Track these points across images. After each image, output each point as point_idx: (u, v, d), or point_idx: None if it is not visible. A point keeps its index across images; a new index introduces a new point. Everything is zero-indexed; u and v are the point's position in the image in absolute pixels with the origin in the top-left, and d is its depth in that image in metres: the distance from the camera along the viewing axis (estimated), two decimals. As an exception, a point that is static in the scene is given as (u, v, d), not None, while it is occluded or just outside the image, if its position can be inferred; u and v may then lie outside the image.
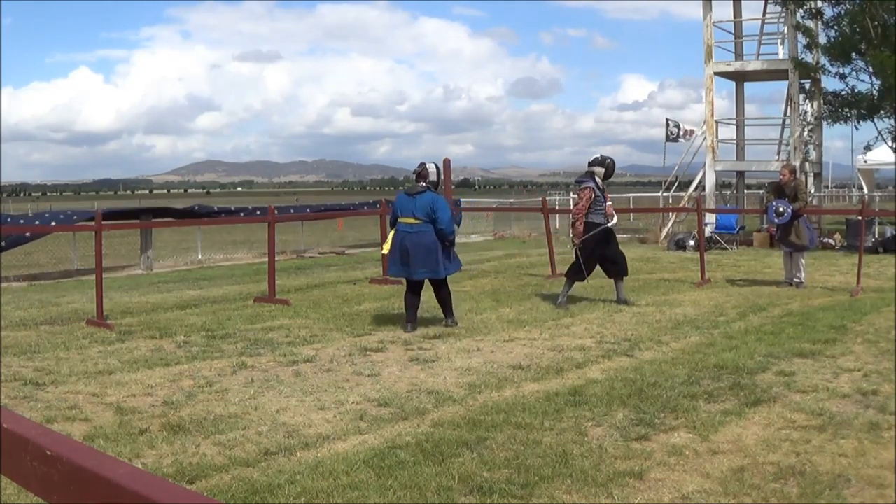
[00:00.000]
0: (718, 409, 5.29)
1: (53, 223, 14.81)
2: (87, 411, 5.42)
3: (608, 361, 6.82)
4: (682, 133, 21.15)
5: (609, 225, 9.96)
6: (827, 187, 35.22)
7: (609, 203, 10.08)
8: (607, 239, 9.97)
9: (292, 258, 17.95)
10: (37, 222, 14.90)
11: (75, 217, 15.65)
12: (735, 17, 21.60)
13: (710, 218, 18.04)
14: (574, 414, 5.21)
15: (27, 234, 14.42)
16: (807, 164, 20.51)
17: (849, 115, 19.50)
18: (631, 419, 5.08)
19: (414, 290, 8.59)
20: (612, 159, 10.22)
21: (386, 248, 8.96)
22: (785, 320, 8.69)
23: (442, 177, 8.67)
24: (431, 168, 8.68)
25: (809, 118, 20.90)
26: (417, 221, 8.38)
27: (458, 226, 20.47)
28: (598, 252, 9.93)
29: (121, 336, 8.12)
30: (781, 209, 11.40)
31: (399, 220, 8.57)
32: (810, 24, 19.45)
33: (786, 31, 20.23)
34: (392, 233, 8.73)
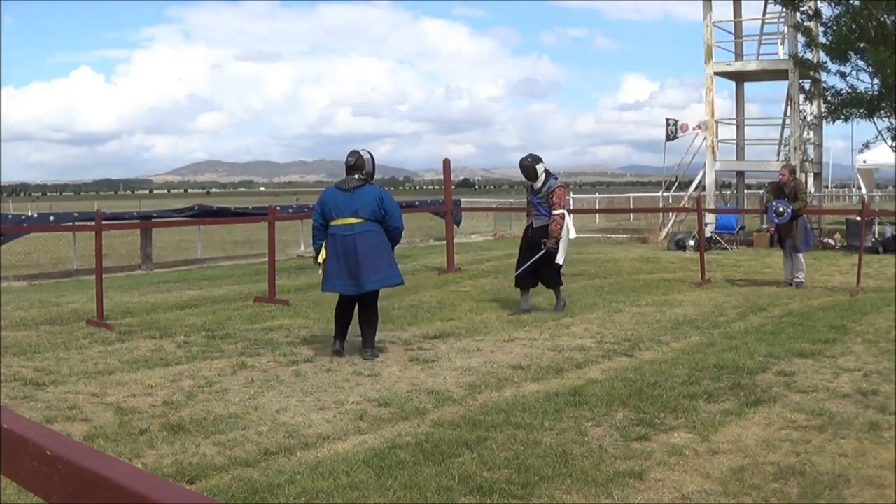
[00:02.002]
0: (718, 409, 5.29)
1: (51, 218, 14.82)
2: (87, 411, 5.42)
3: (608, 361, 6.82)
4: (680, 128, 21.13)
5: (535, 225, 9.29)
6: (827, 187, 35.24)
7: (555, 213, 9.05)
8: (531, 241, 9.40)
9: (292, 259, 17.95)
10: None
11: (75, 215, 15.66)
12: (735, 17, 21.60)
13: (710, 218, 18.05)
14: (574, 414, 5.21)
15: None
16: (807, 164, 20.52)
17: (849, 113, 19.51)
18: (631, 419, 5.08)
19: (347, 304, 7.25)
20: (520, 160, 9.37)
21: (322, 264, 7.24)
22: (785, 320, 8.69)
23: (375, 165, 7.32)
24: (366, 157, 7.23)
25: (809, 118, 20.90)
26: (360, 220, 6.96)
27: (458, 226, 20.51)
28: (526, 253, 9.40)
29: (121, 336, 8.12)
30: (781, 209, 11.40)
31: (333, 222, 7.05)
32: (810, 24, 19.46)
33: (786, 31, 20.24)
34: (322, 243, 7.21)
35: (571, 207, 10.04)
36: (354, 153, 7.24)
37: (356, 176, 7.14)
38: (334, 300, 7.48)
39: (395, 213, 7.12)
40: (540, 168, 9.27)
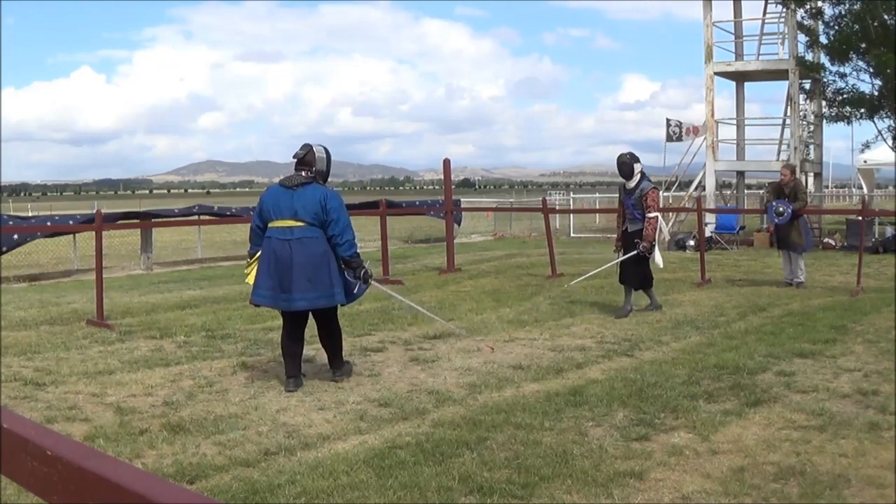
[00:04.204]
0: (718, 409, 5.29)
1: (56, 218, 14.83)
2: (87, 411, 5.42)
3: (608, 361, 6.82)
4: (685, 131, 21.13)
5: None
6: (827, 187, 35.26)
7: (650, 216, 8.97)
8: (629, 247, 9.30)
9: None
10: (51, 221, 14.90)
11: (78, 216, 15.69)
12: (735, 17, 21.60)
13: (710, 218, 18.05)
14: (574, 414, 5.21)
15: (14, 236, 14.26)
16: (807, 164, 20.52)
17: (849, 114, 19.51)
18: (631, 419, 5.08)
19: (295, 328, 6.16)
20: (619, 157, 9.33)
21: (251, 274, 6.28)
22: (785, 320, 8.68)
23: (331, 165, 6.32)
24: (320, 153, 6.18)
25: (810, 118, 20.89)
26: (300, 224, 5.95)
27: (459, 225, 20.45)
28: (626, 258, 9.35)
29: (121, 336, 8.12)
30: (781, 209, 11.41)
31: (271, 224, 6.05)
32: (810, 23, 19.46)
33: (786, 31, 20.24)
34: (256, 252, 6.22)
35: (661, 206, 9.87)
36: (306, 146, 6.22)
37: (303, 173, 6.10)
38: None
39: (340, 220, 5.97)
40: (637, 168, 9.18)
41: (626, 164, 9.18)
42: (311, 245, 5.94)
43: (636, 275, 9.21)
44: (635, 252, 9.07)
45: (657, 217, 9.09)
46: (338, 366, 6.29)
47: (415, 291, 11.24)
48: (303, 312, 6.13)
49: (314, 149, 6.20)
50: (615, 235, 9.85)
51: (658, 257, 9.22)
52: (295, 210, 5.97)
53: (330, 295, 6.00)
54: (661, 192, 9.61)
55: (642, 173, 9.24)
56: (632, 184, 9.14)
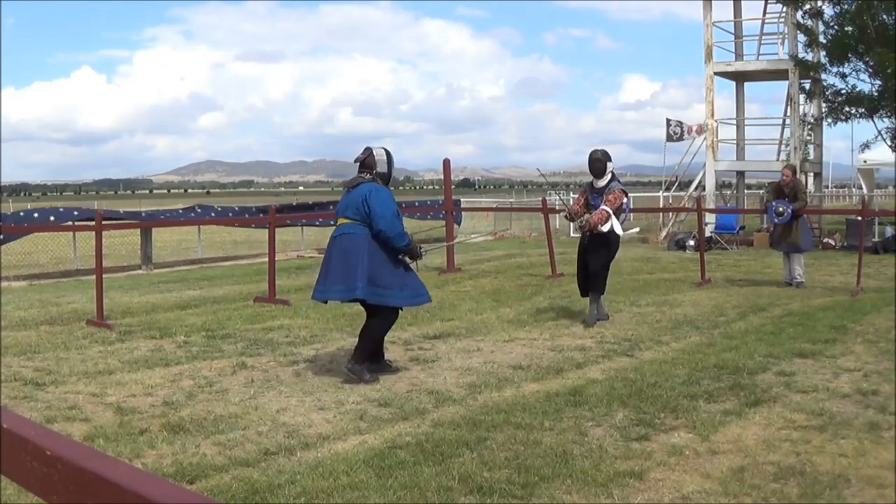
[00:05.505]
0: (718, 409, 5.29)
1: (52, 217, 14.85)
2: (87, 411, 5.42)
3: (608, 361, 6.82)
4: (686, 131, 21.12)
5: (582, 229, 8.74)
6: (827, 187, 35.25)
7: (602, 208, 8.45)
8: (586, 246, 8.82)
9: (292, 258, 17.95)
10: (36, 215, 14.93)
11: (75, 212, 15.72)
12: (735, 17, 21.61)
13: (710, 218, 18.05)
14: (574, 414, 5.21)
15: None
16: (807, 164, 20.51)
17: (849, 114, 19.51)
18: (631, 419, 5.08)
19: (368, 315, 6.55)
20: (592, 153, 8.81)
21: None
22: (785, 320, 8.68)
23: (392, 167, 6.55)
24: (380, 156, 6.45)
25: (809, 118, 20.90)
26: (347, 221, 6.29)
27: (459, 225, 20.44)
28: (581, 259, 8.96)
29: (121, 336, 8.12)
30: (781, 209, 11.42)
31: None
32: (810, 23, 19.46)
33: (786, 30, 20.25)
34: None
35: (630, 207, 9.34)
36: (366, 150, 6.50)
37: (365, 175, 6.38)
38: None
39: (380, 213, 6.12)
40: (609, 166, 8.70)
41: (598, 161, 8.66)
42: (349, 240, 6.21)
43: (601, 279, 8.73)
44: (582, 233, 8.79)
45: (608, 212, 8.43)
46: (357, 359, 6.23)
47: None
48: (365, 301, 6.28)
49: (374, 152, 6.46)
50: (566, 212, 9.17)
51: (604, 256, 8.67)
52: (345, 208, 6.35)
53: (352, 287, 6.13)
54: (630, 196, 9.21)
55: (613, 173, 8.75)
56: (601, 183, 8.66)
